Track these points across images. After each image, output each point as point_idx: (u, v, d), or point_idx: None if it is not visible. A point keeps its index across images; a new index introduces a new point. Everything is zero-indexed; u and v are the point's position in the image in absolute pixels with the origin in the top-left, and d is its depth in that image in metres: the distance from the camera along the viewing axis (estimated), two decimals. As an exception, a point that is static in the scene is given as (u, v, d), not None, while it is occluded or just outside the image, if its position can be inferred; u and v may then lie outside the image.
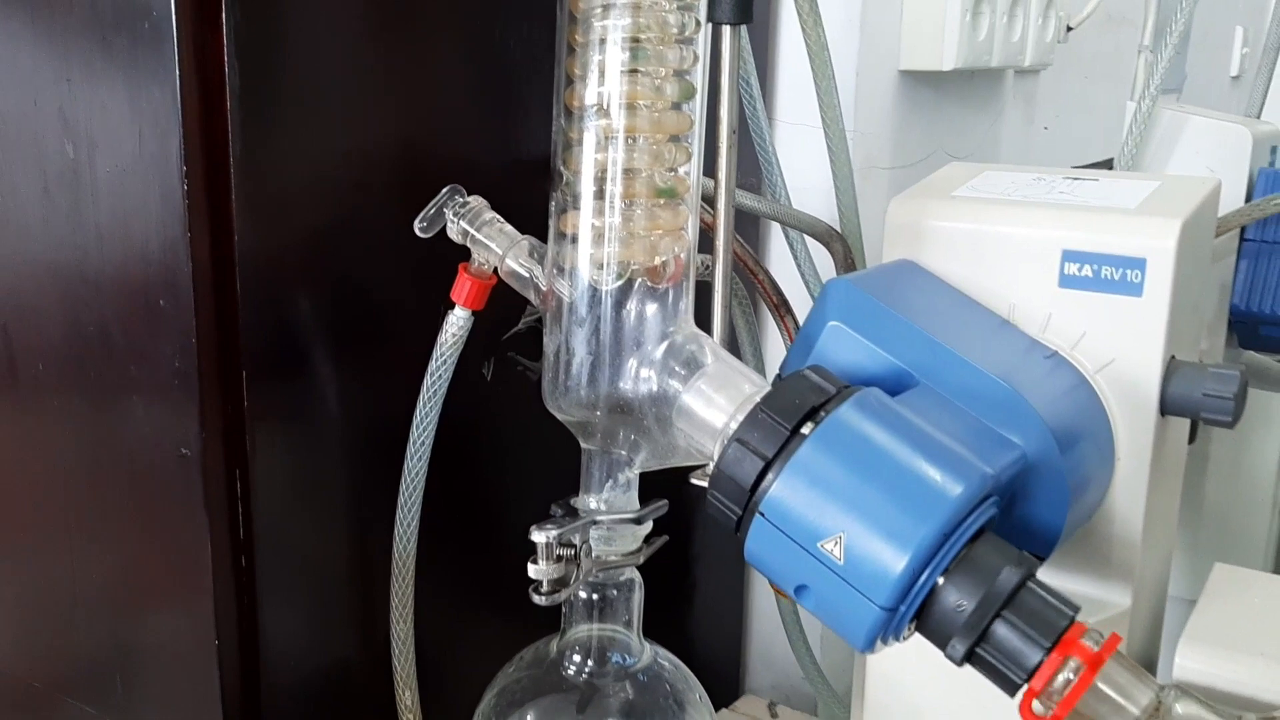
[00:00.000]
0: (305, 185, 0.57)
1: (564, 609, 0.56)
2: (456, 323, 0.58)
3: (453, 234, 0.56)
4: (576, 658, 0.56)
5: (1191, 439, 0.77)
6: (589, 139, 0.50)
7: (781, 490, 0.45)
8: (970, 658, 0.45)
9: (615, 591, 0.55)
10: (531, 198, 0.58)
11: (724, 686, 0.98)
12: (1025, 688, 0.44)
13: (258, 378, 0.56)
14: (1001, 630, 0.44)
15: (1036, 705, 0.43)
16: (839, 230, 0.73)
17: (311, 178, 0.57)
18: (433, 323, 0.58)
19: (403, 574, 0.62)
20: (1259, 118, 1.00)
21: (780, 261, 0.83)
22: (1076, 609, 0.44)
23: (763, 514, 0.45)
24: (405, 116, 0.62)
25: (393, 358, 0.62)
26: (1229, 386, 0.54)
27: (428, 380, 0.59)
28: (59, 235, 0.58)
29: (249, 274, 0.55)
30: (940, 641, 0.45)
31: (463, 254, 0.57)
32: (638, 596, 0.56)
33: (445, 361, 0.59)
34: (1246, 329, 0.85)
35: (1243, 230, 0.83)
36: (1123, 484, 0.56)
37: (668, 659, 0.57)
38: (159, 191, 0.53)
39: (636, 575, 0.56)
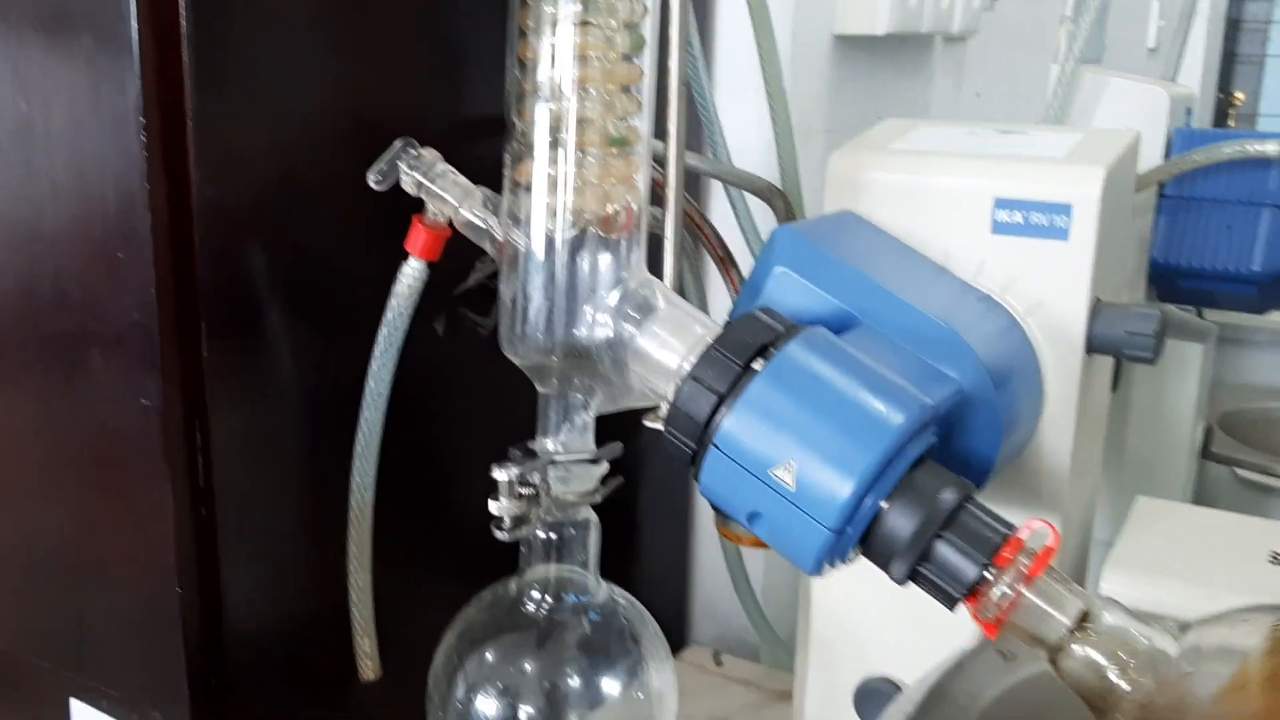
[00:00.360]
0: (261, 140, 0.58)
1: (522, 550, 0.58)
2: (411, 274, 0.59)
3: (407, 186, 0.57)
4: (535, 594, 0.57)
5: (1114, 386, 0.81)
6: (543, 89, 0.52)
7: (734, 423, 0.47)
8: (912, 576, 0.47)
9: (573, 531, 0.57)
10: (482, 155, 0.59)
11: (669, 638, 1.00)
12: (963, 603, 0.46)
13: (216, 329, 0.57)
14: (941, 549, 0.46)
15: (984, 617, 0.46)
16: (780, 187, 0.75)
17: (268, 133, 0.58)
18: (389, 278, 0.60)
19: (360, 523, 0.64)
20: (1174, 81, 1.04)
21: (720, 220, 0.85)
22: (1012, 528, 0.47)
23: (717, 446, 0.47)
24: (359, 74, 0.63)
25: (350, 311, 0.63)
26: (1150, 324, 0.57)
27: (383, 331, 0.60)
28: (12, 190, 0.58)
29: (207, 227, 0.56)
30: (883, 562, 0.48)
31: (418, 209, 0.58)
32: (594, 537, 0.58)
33: (400, 313, 0.60)
34: (1165, 282, 0.90)
35: (1161, 186, 0.87)
36: (1051, 421, 0.59)
37: (623, 596, 0.60)
38: (116, 144, 0.54)
39: (593, 516, 0.58)
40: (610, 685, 0.58)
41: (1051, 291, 0.58)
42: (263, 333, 0.60)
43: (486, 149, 0.58)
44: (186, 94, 0.54)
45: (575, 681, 0.57)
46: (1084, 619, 0.45)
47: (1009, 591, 0.46)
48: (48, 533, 0.65)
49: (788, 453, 0.46)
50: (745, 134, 0.85)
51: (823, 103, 0.96)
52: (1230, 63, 2.54)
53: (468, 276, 0.71)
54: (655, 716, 0.60)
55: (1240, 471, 1.04)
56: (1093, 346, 0.58)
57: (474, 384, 0.72)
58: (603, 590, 0.59)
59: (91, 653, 0.65)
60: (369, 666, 0.66)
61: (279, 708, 0.66)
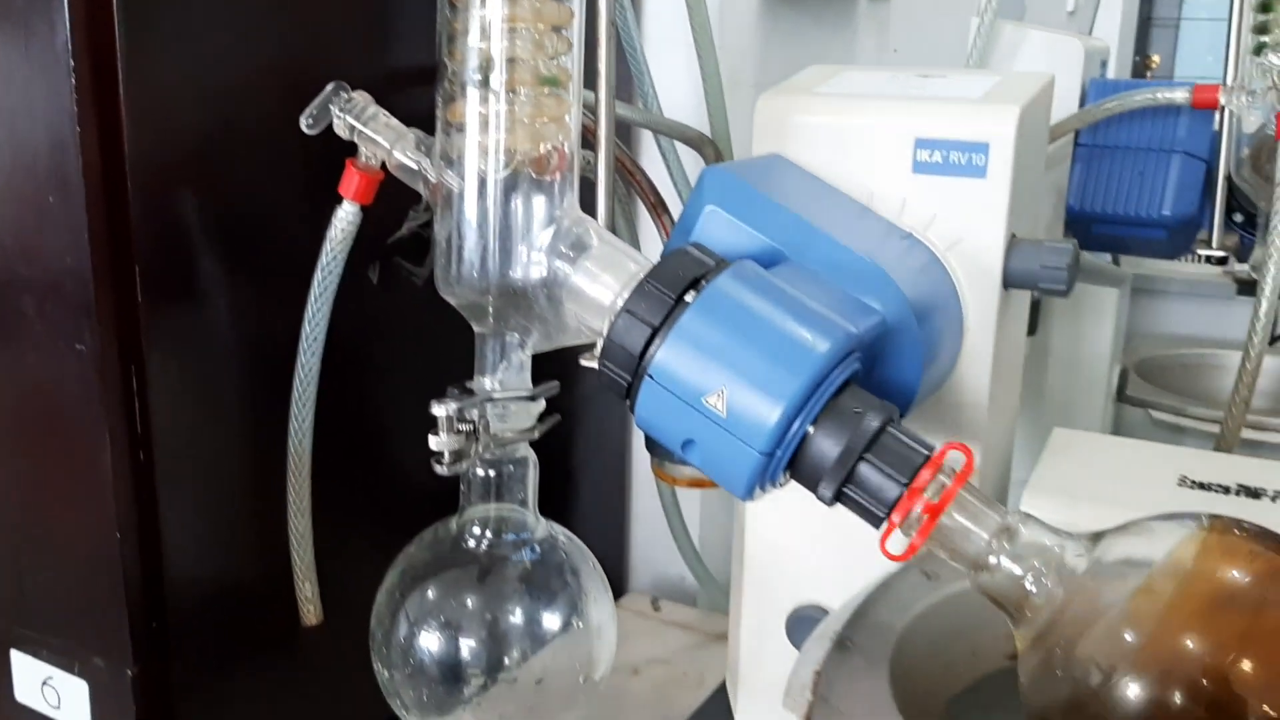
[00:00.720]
0: (193, 88, 0.58)
1: (462, 489, 0.59)
2: (345, 218, 0.60)
3: (339, 129, 0.58)
4: (475, 531, 0.59)
5: (1033, 330, 0.84)
6: (473, 28, 0.52)
7: (668, 354, 0.49)
8: (839, 497, 0.49)
9: (511, 468, 0.58)
10: (414, 102, 0.59)
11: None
12: (887, 521, 0.49)
13: (151, 275, 0.57)
14: (865, 470, 0.48)
15: (898, 536, 0.48)
16: (710, 137, 0.77)
17: (199, 80, 0.59)
18: (323, 224, 0.60)
19: (299, 470, 0.64)
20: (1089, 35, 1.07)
21: (651, 170, 0.87)
22: (932, 448, 0.49)
23: (651, 376, 0.49)
24: (291, 22, 0.63)
25: (285, 257, 0.64)
26: (1063, 258, 0.59)
27: (318, 276, 0.61)
28: (-63, 138, 0.58)
29: (139, 173, 0.56)
30: (811, 484, 0.50)
31: (351, 154, 0.59)
32: (532, 475, 0.59)
33: (335, 257, 0.61)
34: (1081, 229, 0.93)
35: (1077, 135, 0.90)
36: (970, 354, 0.62)
37: (563, 533, 0.61)
38: (46, 90, 0.54)
39: (531, 454, 0.59)
40: (550, 619, 0.59)
41: (970, 228, 0.60)
42: (198, 279, 0.61)
43: (419, 95, 0.59)
44: (117, 39, 0.54)
45: (516, 616, 0.59)
46: (1001, 533, 0.48)
47: (926, 506, 0.48)
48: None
49: (719, 381, 0.48)
50: (675, 87, 0.86)
51: (751, 56, 0.97)
52: (1146, 26, 2.60)
53: (401, 226, 0.72)
54: (595, 648, 0.61)
55: (1154, 413, 1.08)
56: (1009, 281, 0.61)
57: (410, 331, 0.73)
58: (542, 526, 0.60)
59: (31, 603, 0.65)
60: (310, 611, 0.67)
61: (221, 653, 0.66)
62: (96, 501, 0.59)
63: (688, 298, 0.49)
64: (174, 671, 0.63)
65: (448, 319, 0.56)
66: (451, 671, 0.59)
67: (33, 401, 0.60)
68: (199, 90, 0.59)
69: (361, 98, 0.58)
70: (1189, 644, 0.43)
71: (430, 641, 0.58)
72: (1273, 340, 1.37)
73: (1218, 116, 0.88)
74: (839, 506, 0.50)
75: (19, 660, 0.66)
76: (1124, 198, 0.89)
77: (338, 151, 0.59)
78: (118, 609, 0.62)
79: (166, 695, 0.63)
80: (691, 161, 0.82)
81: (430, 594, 0.59)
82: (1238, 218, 0.90)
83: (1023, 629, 0.48)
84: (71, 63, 0.53)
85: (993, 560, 0.47)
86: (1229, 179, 0.88)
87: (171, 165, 0.58)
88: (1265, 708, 0.42)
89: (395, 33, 0.69)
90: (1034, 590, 0.47)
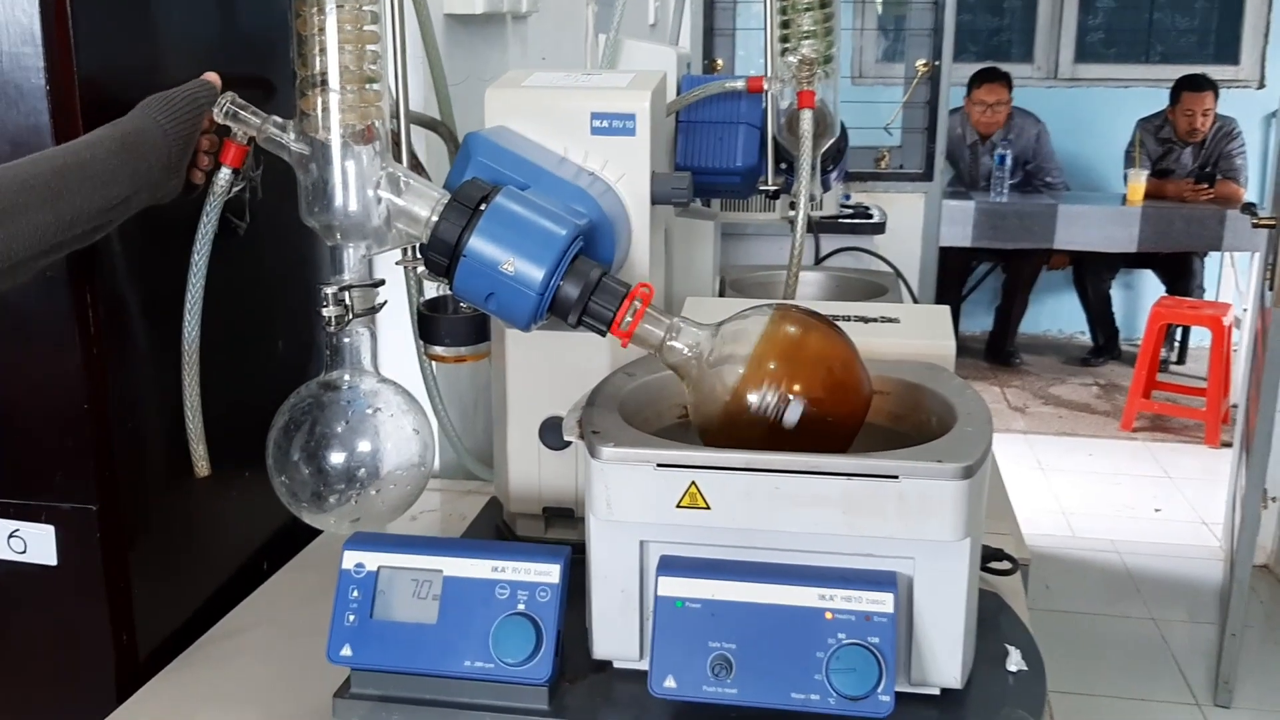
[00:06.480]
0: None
1: (326, 357, 0.89)
2: (225, 177, 0.88)
3: (218, 117, 0.86)
4: (334, 383, 0.89)
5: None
6: (316, 47, 0.82)
7: (476, 241, 0.82)
8: (580, 322, 0.84)
9: (360, 337, 0.89)
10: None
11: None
12: (609, 331, 0.84)
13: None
14: (593, 304, 0.84)
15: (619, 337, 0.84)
16: (441, 119, 1.09)
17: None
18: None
19: (190, 355, 0.90)
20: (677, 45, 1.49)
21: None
22: (629, 286, 0.85)
23: (465, 257, 0.82)
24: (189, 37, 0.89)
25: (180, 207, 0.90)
26: (684, 182, 0.98)
27: (203, 221, 0.88)
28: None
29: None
30: (562, 315, 0.84)
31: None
32: (374, 345, 0.90)
33: (216, 205, 0.89)
34: (685, 180, 1.33)
35: (677, 115, 1.31)
36: (637, 245, 0.99)
37: (393, 383, 0.92)
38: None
39: (373, 329, 0.89)
40: (400, 430, 0.90)
41: (628, 167, 0.97)
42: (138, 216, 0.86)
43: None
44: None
45: (370, 437, 0.89)
46: (671, 330, 0.85)
47: (630, 319, 0.84)
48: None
49: (507, 255, 0.82)
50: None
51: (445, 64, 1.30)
52: (711, 36, 3.17)
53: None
54: (424, 453, 0.92)
55: (744, 313, 1.53)
56: (655, 199, 0.99)
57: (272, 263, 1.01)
58: (382, 378, 0.91)
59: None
60: (202, 466, 0.94)
61: (156, 491, 0.92)
62: (63, 378, 0.83)
63: (482, 208, 0.83)
64: (124, 508, 0.88)
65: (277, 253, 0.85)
66: (323, 478, 0.88)
67: (3, 320, 0.83)
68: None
69: (229, 95, 0.86)
70: (770, 366, 0.82)
71: (313, 462, 0.87)
72: (818, 261, 1.89)
73: (764, 97, 1.31)
74: (580, 329, 0.85)
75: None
76: (710, 155, 1.30)
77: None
78: (85, 460, 0.85)
79: (120, 528, 0.88)
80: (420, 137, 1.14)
81: (309, 428, 0.88)
82: (784, 165, 1.33)
83: (687, 381, 0.85)
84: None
85: (668, 343, 0.85)
86: (775, 139, 1.31)
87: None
88: (801, 397, 0.81)
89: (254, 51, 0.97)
90: (691, 356, 0.85)
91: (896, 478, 0.75)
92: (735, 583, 0.78)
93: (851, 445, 0.84)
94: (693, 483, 0.77)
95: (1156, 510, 3.54)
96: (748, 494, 0.77)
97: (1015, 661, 0.85)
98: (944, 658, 0.79)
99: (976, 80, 4.64)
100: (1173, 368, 4.77)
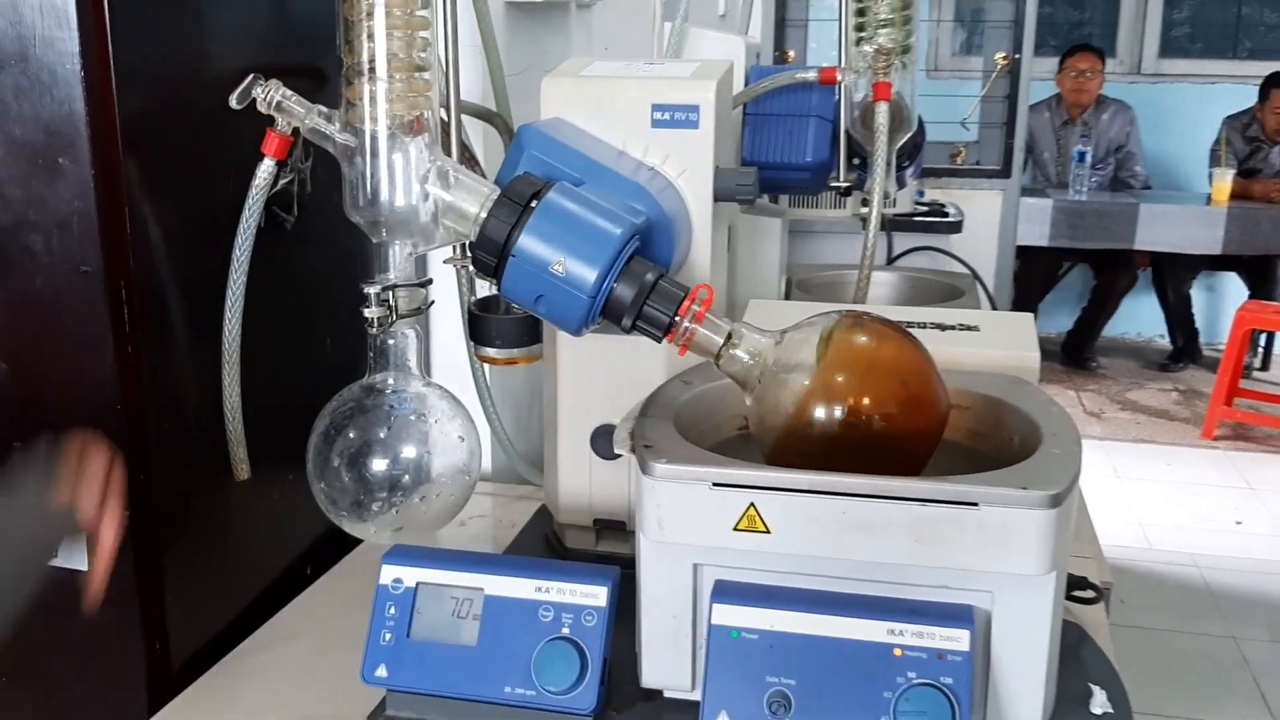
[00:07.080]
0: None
1: (370, 359, 0.84)
2: (266, 168, 0.84)
3: (261, 107, 0.81)
4: (378, 387, 0.84)
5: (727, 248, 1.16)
6: (364, 34, 0.78)
7: (525, 239, 0.77)
8: (634, 327, 0.79)
9: (405, 338, 0.84)
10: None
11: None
12: (665, 338, 0.79)
13: (136, 214, 0.79)
14: (648, 308, 0.79)
15: (676, 344, 0.79)
16: (496, 110, 1.05)
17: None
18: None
19: (230, 357, 0.87)
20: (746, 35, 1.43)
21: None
22: (688, 289, 0.79)
23: (515, 256, 0.77)
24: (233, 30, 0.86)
25: (221, 201, 0.86)
26: (749, 179, 0.92)
27: (246, 212, 0.84)
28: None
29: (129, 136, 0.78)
30: (616, 320, 0.79)
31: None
32: (420, 346, 0.85)
33: (258, 198, 0.84)
34: (752, 175, 1.27)
35: (745, 107, 1.25)
36: (697, 244, 0.94)
37: (439, 386, 0.87)
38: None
39: (417, 330, 0.85)
40: (446, 436, 0.85)
41: (690, 163, 0.91)
42: (162, 215, 0.82)
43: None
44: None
45: (414, 443, 0.85)
46: (730, 337, 0.79)
47: (689, 325, 0.79)
48: None
49: (559, 255, 0.77)
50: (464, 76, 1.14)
51: (502, 53, 1.25)
52: (783, 27, 3.10)
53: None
54: (470, 461, 0.88)
55: (811, 315, 1.46)
56: (718, 196, 0.93)
57: (318, 255, 0.97)
58: (427, 381, 0.87)
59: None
60: (242, 469, 0.90)
61: (189, 493, 0.88)
62: (99, 379, 0.80)
63: (533, 205, 0.78)
64: (158, 512, 0.85)
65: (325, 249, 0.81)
66: (364, 485, 0.84)
67: (42, 313, 0.80)
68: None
69: (274, 84, 0.82)
70: (838, 379, 0.76)
71: (355, 466, 0.83)
72: (890, 261, 1.82)
73: (837, 89, 1.24)
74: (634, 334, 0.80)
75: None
76: (779, 149, 1.24)
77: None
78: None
79: (153, 532, 0.85)
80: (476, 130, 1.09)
81: (351, 434, 0.84)
82: (856, 161, 1.27)
83: (748, 392, 0.80)
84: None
85: (727, 351, 0.79)
86: (848, 133, 1.25)
87: (149, 135, 0.80)
88: (874, 413, 0.75)
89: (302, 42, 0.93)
90: (752, 364, 0.79)
91: (976, 505, 0.68)
92: (795, 613, 0.72)
93: (926, 466, 0.78)
94: (751, 504, 0.72)
95: (1237, 523, 3.40)
96: (811, 518, 0.71)
97: (1100, 704, 0.79)
98: (1023, 701, 0.72)
99: (1070, 52, 4.55)
100: (1256, 374, 4.59)
